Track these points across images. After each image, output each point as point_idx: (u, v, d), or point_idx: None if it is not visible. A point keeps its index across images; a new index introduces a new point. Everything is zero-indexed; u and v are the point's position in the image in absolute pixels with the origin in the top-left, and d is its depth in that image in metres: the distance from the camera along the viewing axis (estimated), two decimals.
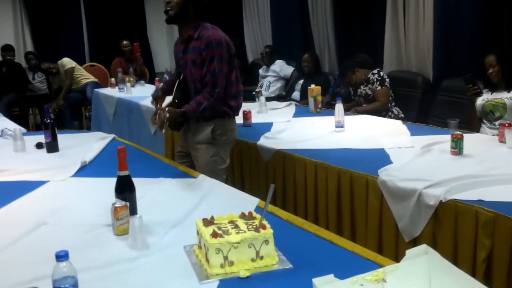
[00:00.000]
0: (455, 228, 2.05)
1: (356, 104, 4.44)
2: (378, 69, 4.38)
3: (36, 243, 1.74)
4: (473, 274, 1.91)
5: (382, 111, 4.27)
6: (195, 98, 2.58)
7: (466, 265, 1.95)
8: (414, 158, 2.60)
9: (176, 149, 2.94)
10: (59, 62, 6.72)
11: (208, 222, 1.56)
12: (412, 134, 3.13)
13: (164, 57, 9.01)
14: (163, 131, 2.55)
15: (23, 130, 3.47)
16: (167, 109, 2.53)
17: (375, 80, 4.28)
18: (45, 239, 1.76)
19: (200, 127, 2.68)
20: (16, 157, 2.91)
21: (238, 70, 2.73)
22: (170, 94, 2.75)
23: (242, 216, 1.61)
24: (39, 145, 3.04)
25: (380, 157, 2.68)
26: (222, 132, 2.69)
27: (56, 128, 2.98)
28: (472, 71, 3.57)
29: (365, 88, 4.36)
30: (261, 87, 6.02)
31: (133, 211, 1.82)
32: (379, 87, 4.26)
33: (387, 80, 4.30)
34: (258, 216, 1.58)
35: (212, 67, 2.54)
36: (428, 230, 2.14)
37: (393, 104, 4.37)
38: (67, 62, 6.66)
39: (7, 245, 1.71)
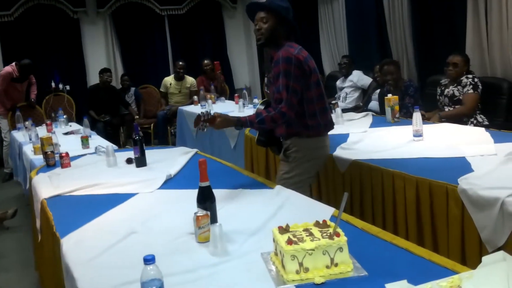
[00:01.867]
0: None
1: (439, 106, 4.35)
2: (474, 74, 4.25)
3: (126, 250, 1.86)
4: None
5: (465, 117, 4.14)
6: None
7: None
8: (497, 166, 2.50)
9: None
10: (189, 77, 7.24)
11: (283, 230, 1.62)
12: (496, 142, 3.00)
13: (243, 74, 9.26)
14: (196, 130, 2.52)
15: (115, 147, 3.72)
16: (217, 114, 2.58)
17: (469, 83, 4.15)
18: (135, 246, 1.88)
19: (284, 145, 2.76)
20: (109, 172, 3.10)
21: (321, 88, 2.69)
22: None
23: (317, 224, 1.65)
24: (129, 161, 3.24)
25: (461, 166, 2.61)
26: (297, 149, 2.69)
27: (144, 144, 3.18)
28: None
29: (453, 88, 4.25)
30: (338, 98, 6.02)
31: (213, 219, 1.92)
32: (470, 91, 4.13)
33: (480, 87, 4.15)
34: (333, 224, 1.62)
35: (278, 83, 2.55)
36: None
37: (478, 111, 4.22)
38: (195, 84, 7.25)
39: (102, 251, 1.85)
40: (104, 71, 7.24)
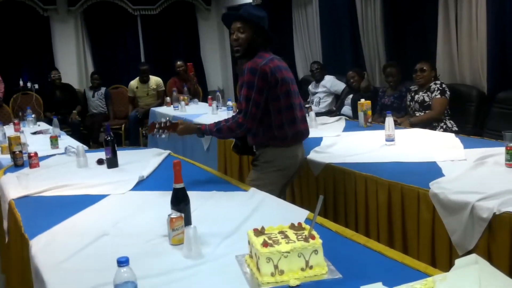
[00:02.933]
0: (511, 240, 2.01)
1: (410, 112, 4.45)
2: (442, 81, 4.42)
3: (98, 252, 1.83)
4: None
5: (435, 121, 4.24)
6: None
7: None
8: (467, 171, 2.56)
9: None
10: (153, 78, 7.21)
11: (259, 232, 1.61)
12: (465, 147, 3.07)
13: (217, 76, 9.24)
14: (154, 134, 2.72)
15: (85, 147, 3.66)
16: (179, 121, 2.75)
17: (436, 89, 4.31)
18: (107, 249, 1.85)
19: (256, 153, 2.78)
20: (79, 173, 3.05)
21: (292, 99, 2.66)
22: None
23: (292, 226, 1.65)
24: (100, 161, 3.19)
25: (432, 170, 2.65)
26: (264, 159, 2.71)
27: (116, 145, 3.13)
28: None
29: (423, 94, 4.39)
30: (311, 103, 6.05)
31: (187, 222, 1.90)
32: (438, 96, 4.28)
33: (448, 92, 4.32)
34: (308, 226, 1.62)
35: (240, 93, 2.61)
36: (482, 243, 2.11)
37: (447, 117, 4.33)
38: (161, 83, 7.24)
39: (72, 254, 1.81)
40: (51, 70, 7.22)
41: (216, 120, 2.73)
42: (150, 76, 7.23)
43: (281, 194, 2.80)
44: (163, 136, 2.64)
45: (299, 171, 2.91)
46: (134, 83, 7.24)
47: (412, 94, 4.54)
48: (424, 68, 4.41)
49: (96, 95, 7.41)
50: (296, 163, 2.78)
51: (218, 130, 2.65)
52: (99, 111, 7.41)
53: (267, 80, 2.54)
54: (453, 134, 3.53)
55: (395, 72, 4.83)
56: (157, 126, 2.67)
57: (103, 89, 7.46)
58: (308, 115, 4.22)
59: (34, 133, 4.97)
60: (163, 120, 2.70)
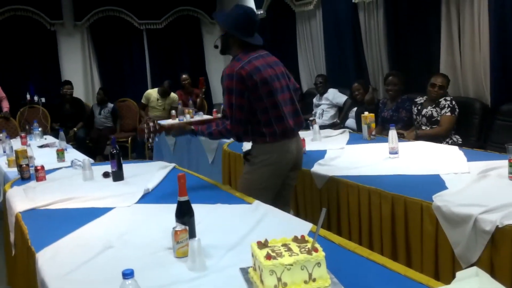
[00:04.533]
0: None
1: (415, 125, 4.47)
2: (452, 97, 4.42)
3: (104, 264, 1.85)
4: None
5: (441, 137, 4.25)
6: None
7: None
8: (470, 184, 2.56)
9: None
10: (172, 94, 7.26)
11: (262, 245, 1.63)
12: (469, 160, 3.07)
13: (221, 89, 9.27)
14: (149, 140, 2.82)
15: (91, 160, 3.69)
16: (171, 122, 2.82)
17: (447, 105, 4.30)
18: (112, 261, 1.86)
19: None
20: (85, 185, 3.07)
21: (276, 97, 2.68)
22: None
23: (295, 239, 1.66)
24: (105, 174, 3.21)
25: (435, 183, 2.66)
26: (256, 155, 2.78)
27: (121, 158, 3.16)
28: None
29: (432, 109, 4.38)
30: (314, 115, 6.10)
31: (192, 234, 1.92)
32: (448, 113, 4.28)
33: (457, 110, 4.31)
34: (311, 239, 1.63)
35: (224, 99, 2.72)
36: (485, 256, 2.11)
37: (453, 132, 4.33)
38: (177, 100, 7.23)
39: (78, 266, 1.83)
40: (63, 84, 7.27)
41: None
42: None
43: (279, 197, 2.83)
44: (155, 140, 2.71)
45: (296, 169, 2.91)
46: (153, 93, 7.25)
47: (419, 108, 4.51)
48: (443, 85, 4.36)
49: (103, 113, 7.41)
50: (290, 159, 2.80)
51: (209, 133, 2.78)
52: (105, 127, 7.43)
53: (245, 83, 2.61)
54: (456, 147, 3.54)
55: (396, 81, 4.82)
56: (146, 131, 2.75)
57: (110, 106, 7.46)
58: (312, 128, 4.26)
59: (41, 146, 5.01)
60: (151, 124, 2.75)
